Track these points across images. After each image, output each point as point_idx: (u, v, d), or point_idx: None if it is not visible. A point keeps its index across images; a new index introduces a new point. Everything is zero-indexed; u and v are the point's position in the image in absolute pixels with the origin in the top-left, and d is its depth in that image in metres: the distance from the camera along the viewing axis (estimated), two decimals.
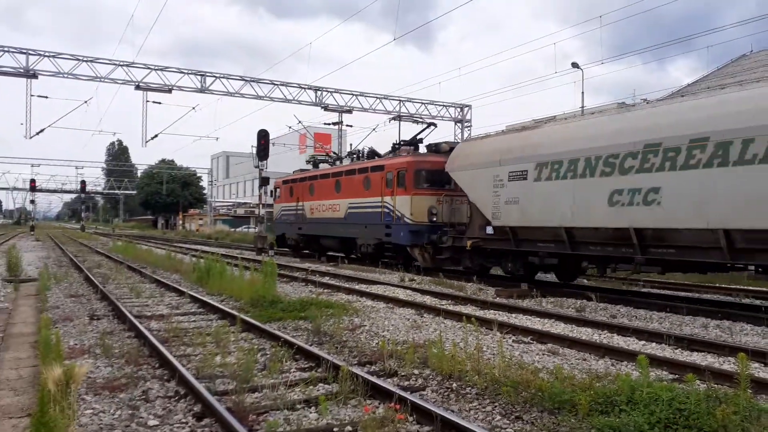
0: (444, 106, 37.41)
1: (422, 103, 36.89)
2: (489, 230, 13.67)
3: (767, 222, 8.05)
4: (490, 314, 10.12)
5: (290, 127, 38.69)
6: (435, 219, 16.66)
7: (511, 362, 6.49)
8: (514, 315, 10.23)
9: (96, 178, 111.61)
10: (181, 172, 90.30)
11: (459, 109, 37.73)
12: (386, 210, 17.88)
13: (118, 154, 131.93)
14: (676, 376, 6.30)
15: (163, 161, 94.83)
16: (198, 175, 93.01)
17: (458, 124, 37.49)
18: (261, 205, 26.54)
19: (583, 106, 31.21)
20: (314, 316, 9.29)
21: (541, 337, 8.23)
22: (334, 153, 23.60)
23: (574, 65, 33.10)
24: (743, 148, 8.25)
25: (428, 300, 11.92)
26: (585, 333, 8.73)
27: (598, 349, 7.49)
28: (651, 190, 9.66)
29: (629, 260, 10.56)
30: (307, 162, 25.87)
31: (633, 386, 5.00)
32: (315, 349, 6.94)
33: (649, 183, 9.66)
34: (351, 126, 37.92)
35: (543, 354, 7.37)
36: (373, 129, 32.37)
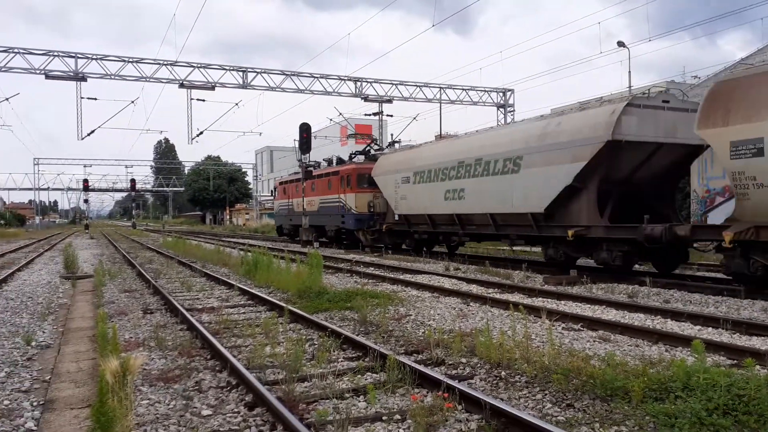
0: (485, 91, 36.94)
1: (463, 89, 36.54)
2: (396, 217, 20.04)
3: (507, 208, 14.34)
4: (538, 302, 10.00)
5: (331, 120, 39.03)
6: (372, 210, 23.19)
7: (561, 350, 6.40)
8: (563, 302, 10.09)
9: (145, 176, 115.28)
10: (226, 168, 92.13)
11: (501, 94, 37.20)
12: (341, 204, 24.56)
13: (165, 152, 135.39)
14: (735, 361, 6.16)
15: (209, 158, 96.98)
16: (243, 170, 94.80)
17: (500, 110, 36.99)
18: (304, 199, 26.79)
19: (630, 86, 30.32)
20: (360, 306, 9.37)
21: (592, 323, 8.10)
22: (325, 161, 29.02)
23: (620, 44, 32.17)
24: (494, 165, 14.80)
25: (474, 289, 11.86)
26: (637, 319, 8.56)
27: (651, 334, 7.34)
28: (461, 189, 16.21)
29: (457, 234, 16.96)
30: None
31: (689, 372, 4.87)
32: (362, 339, 7.00)
33: (460, 185, 16.23)
34: (391, 116, 37.81)
35: (594, 341, 7.25)
36: (414, 118, 32.20)
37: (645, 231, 11.54)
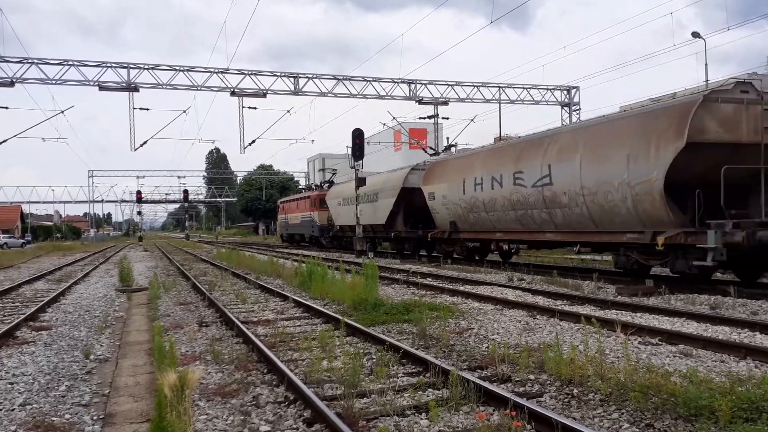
0: (548, 89, 36.38)
1: (524, 88, 36.10)
2: (337, 228, 33.87)
3: (379, 221, 27.11)
4: (611, 314, 9.75)
5: (384, 125, 39.17)
6: (330, 223, 36.40)
7: (638, 365, 6.21)
8: (638, 314, 9.79)
9: (197, 187, 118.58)
10: (278, 176, 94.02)
11: (565, 92, 36.53)
12: (312, 219, 39.59)
13: (217, 162, 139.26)
14: None
15: (261, 167, 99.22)
16: (295, 179, 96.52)
17: (565, 108, 36.32)
18: (358, 207, 27.06)
19: (707, 80, 29.20)
20: (419, 318, 9.36)
21: (671, 337, 7.82)
22: (324, 183, 41.77)
23: (695, 35, 31.08)
24: (368, 197, 27.89)
25: (541, 300, 11.68)
26: (722, 332, 8.23)
27: (738, 349, 7.04)
28: (361, 210, 27.52)
29: (373, 239, 29.13)
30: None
31: None
32: (422, 353, 6.97)
33: (361, 208, 27.67)
34: (447, 118, 37.71)
35: (674, 356, 7.00)
36: (471, 120, 32.04)
37: (726, 237, 11.37)
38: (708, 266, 12.00)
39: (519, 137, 20.07)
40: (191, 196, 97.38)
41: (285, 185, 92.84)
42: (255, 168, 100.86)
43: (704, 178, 12.37)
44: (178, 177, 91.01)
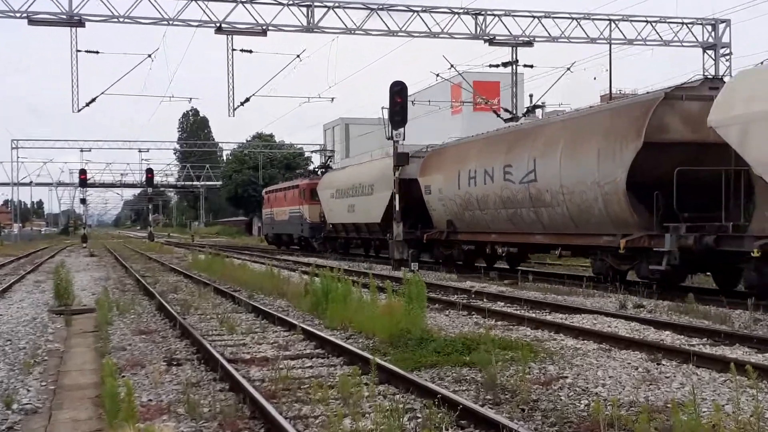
0: (683, 24, 35.83)
1: (647, 21, 35.64)
2: (329, 227, 39.43)
3: (374, 219, 32.70)
4: None
5: (438, 76, 39.09)
6: (323, 219, 40.62)
7: None
8: None
9: (166, 166, 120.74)
10: (282, 150, 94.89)
11: (709, 28, 35.91)
12: (301, 214, 44.22)
13: (195, 130, 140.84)
14: None
15: (258, 137, 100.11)
16: (306, 154, 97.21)
17: (708, 52, 35.71)
18: (398, 195, 27.10)
19: None
20: (485, 361, 9.32)
21: None
22: (319, 168, 49.98)
23: None
24: (363, 188, 34.31)
25: (668, 337, 11.58)
26: None
27: None
28: (353, 205, 35.28)
29: (367, 240, 36.30)
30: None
31: None
32: (491, 413, 6.95)
33: (353, 202, 35.28)
34: (531, 66, 37.47)
35: None
36: (568, 69, 31.77)
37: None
38: (662, 270, 16.26)
39: (537, 119, 24.71)
40: (157, 178, 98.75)
41: (292, 163, 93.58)
42: (249, 138, 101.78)
43: (680, 177, 16.04)
44: (140, 150, 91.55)
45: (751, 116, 14.78)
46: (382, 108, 30.98)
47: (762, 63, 17.04)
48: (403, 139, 26.82)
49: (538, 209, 20.78)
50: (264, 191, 59.13)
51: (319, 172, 44.39)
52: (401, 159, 26.68)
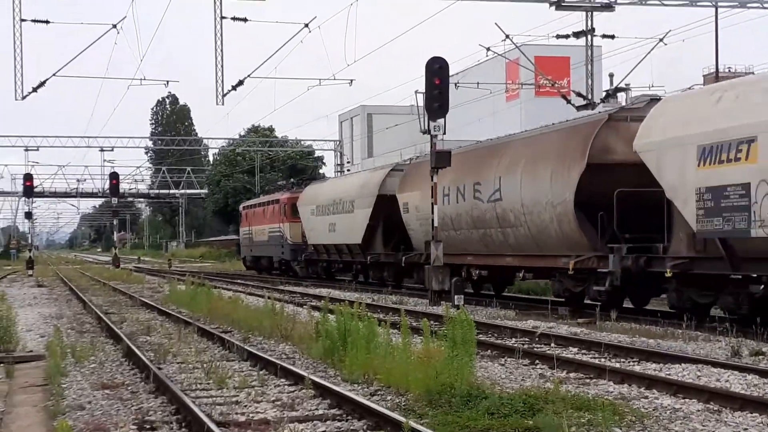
0: None
1: None
2: (310, 249, 46.48)
3: (354, 239, 38.96)
4: None
5: (489, 50, 38.99)
6: (305, 240, 46.10)
7: None
8: None
9: (136, 169, 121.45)
10: (287, 149, 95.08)
11: None
12: (281, 234, 49.51)
13: (172, 122, 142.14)
14: None
15: (254, 131, 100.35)
16: (317, 153, 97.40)
17: None
18: (435, 205, 27.08)
19: None
20: (554, 426, 9.25)
21: None
22: (303, 180, 56.51)
23: None
24: (343, 205, 40.53)
25: None
26: None
27: None
28: (334, 223, 41.62)
29: (348, 264, 42.03)
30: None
31: None
32: None
33: (334, 220, 41.55)
34: (612, 37, 37.30)
35: None
36: (660, 40, 31.70)
37: None
38: (606, 291, 21.50)
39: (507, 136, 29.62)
40: (124, 186, 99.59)
41: (298, 164, 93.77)
42: (243, 133, 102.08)
43: (622, 199, 21.20)
44: (101, 149, 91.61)
45: (665, 143, 19.72)
46: (416, 92, 31.07)
47: (690, 88, 22.73)
48: (444, 133, 26.74)
49: (505, 229, 25.91)
50: (241, 206, 64.63)
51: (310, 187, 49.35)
52: (441, 159, 26.49)
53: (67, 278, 52.07)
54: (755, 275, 18.18)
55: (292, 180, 61.80)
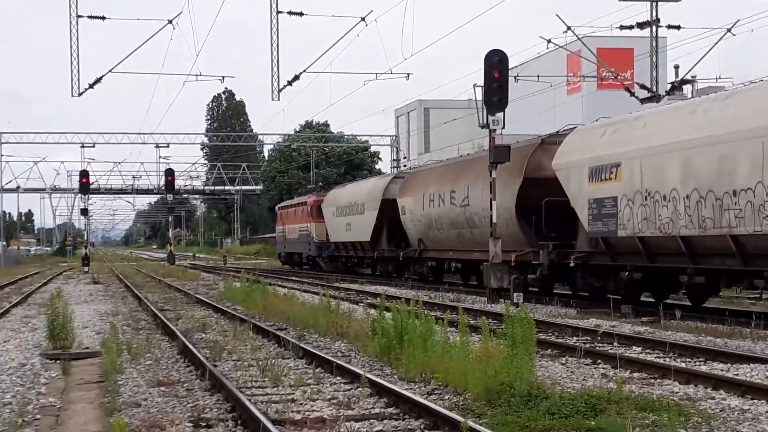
0: None
1: None
2: (332, 247, 55.81)
3: (364, 237, 47.87)
4: None
5: (549, 42, 38.80)
6: (329, 238, 56.52)
7: None
8: None
9: (191, 165, 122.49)
10: (342, 144, 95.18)
11: None
12: (309, 233, 58.90)
13: (227, 118, 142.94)
14: None
15: (309, 127, 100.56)
16: (372, 148, 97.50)
17: None
18: (494, 201, 27.00)
19: None
20: (618, 427, 9.17)
21: None
22: (326, 184, 64.67)
23: None
24: (357, 207, 49.03)
25: None
26: None
27: None
28: (350, 223, 50.64)
29: (361, 258, 52.57)
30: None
31: None
32: None
33: (350, 220, 50.57)
34: (677, 28, 36.87)
35: None
36: (728, 30, 31.28)
37: None
38: (537, 279, 28.19)
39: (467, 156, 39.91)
40: (179, 182, 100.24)
41: (353, 160, 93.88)
42: (298, 129, 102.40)
43: (554, 204, 27.45)
44: (157, 146, 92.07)
45: (570, 164, 26.37)
46: (474, 86, 30.90)
47: (597, 120, 27.64)
48: (503, 128, 26.67)
49: (472, 229, 33.06)
50: (277, 207, 76.01)
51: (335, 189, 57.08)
52: (500, 154, 26.45)
53: (123, 275, 52.61)
54: (623, 264, 24.44)
55: (320, 183, 71.69)
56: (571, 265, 26.14)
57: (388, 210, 41.77)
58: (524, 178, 28.50)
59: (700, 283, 22.55)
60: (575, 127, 28.23)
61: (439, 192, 35.52)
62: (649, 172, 22.82)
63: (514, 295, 25.55)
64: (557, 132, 29.57)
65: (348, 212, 48.87)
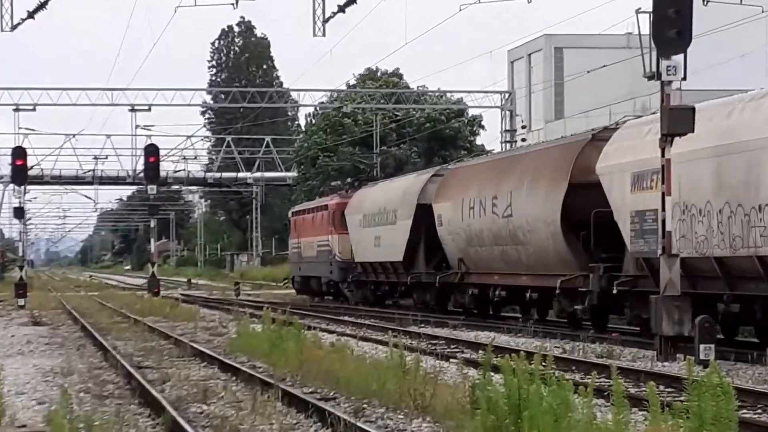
0: None
1: None
2: (358, 269, 62.25)
3: (396, 256, 54.29)
4: None
5: None
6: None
7: None
8: None
9: (186, 140, 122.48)
10: (423, 106, 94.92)
11: None
12: (330, 249, 64.39)
13: (242, 65, 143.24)
14: None
15: (371, 78, 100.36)
16: (472, 113, 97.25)
17: None
18: (667, 195, 26.89)
19: None
20: None
21: None
22: (357, 181, 65.01)
23: None
24: (387, 215, 55.67)
25: None
26: None
27: None
28: (379, 236, 56.75)
29: (394, 285, 58.95)
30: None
31: None
32: None
33: (379, 233, 56.69)
34: None
35: None
36: None
37: None
38: (584, 309, 33.83)
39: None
40: (168, 166, 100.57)
41: (442, 132, 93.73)
42: (353, 82, 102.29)
43: (605, 217, 31.76)
44: (133, 109, 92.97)
45: (612, 168, 30.80)
46: (637, 13, 30.87)
47: (641, 116, 31.88)
48: (683, 79, 26.44)
49: (517, 247, 38.04)
50: (290, 212, 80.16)
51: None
52: (678, 121, 26.16)
53: (79, 312, 52.96)
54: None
55: (356, 179, 75.87)
56: (614, 291, 31.45)
57: (426, 219, 46.11)
58: (570, 183, 33.64)
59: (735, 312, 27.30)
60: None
61: (480, 197, 40.53)
62: (687, 182, 26.67)
63: (701, 347, 25.31)
64: (615, 124, 34.10)
65: (377, 221, 53.32)
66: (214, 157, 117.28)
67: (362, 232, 55.14)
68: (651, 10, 26.11)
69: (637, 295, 30.19)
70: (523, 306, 42.57)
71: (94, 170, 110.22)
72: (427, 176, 47.80)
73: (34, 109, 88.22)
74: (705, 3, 36.03)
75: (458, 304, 44.03)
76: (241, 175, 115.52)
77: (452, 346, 31.84)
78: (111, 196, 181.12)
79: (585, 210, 31.62)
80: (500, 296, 40.92)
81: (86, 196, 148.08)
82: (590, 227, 31.88)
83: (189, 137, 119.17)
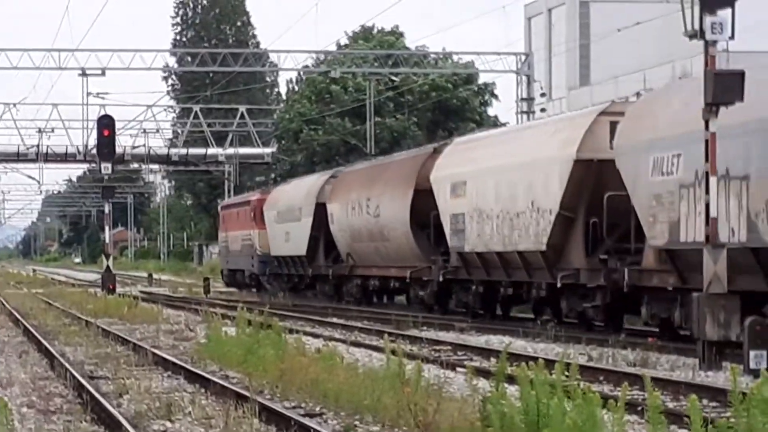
0: None
1: None
2: (274, 262, 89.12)
3: (300, 251, 77.80)
4: None
5: None
6: None
7: None
8: None
9: (147, 110, 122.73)
10: (426, 71, 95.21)
11: None
12: (252, 243, 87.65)
13: (210, 23, 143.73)
14: None
15: (364, 37, 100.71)
16: (482, 79, 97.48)
17: None
18: (711, 175, 26.88)
19: None
20: None
21: None
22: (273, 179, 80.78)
23: None
24: (294, 212, 77.60)
25: None
26: None
27: None
28: (288, 232, 79.59)
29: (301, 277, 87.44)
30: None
31: None
32: None
33: (288, 228, 79.53)
34: None
35: None
36: None
37: None
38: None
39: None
40: (125, 140, 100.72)
41: (448, 102, 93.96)
42: (344, 42, 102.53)
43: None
44: (84, 74, 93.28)
45: (440, 178, 46.29)
46: None
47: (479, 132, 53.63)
48: (730, 37, 26.37)
49: (385, 243, 52.85)
50: (219, 206, 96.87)
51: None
52: (726, 88, 25.98)
53: (20, 312, 53.07)
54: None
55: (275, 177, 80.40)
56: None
57: (324, 217, 58.39)
58: (416, 189, 43.73)
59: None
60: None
61: (359, 199, 55.09)
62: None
63: (751, 354, 25.26)
64: (446, 142, 44.88)
65: (287, 218, 67.04)
66: (179, 130, 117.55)
67: (276, 227, 70.81)
68: None
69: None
70: (389, 294, 60.94)
71: (38, 146, 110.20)
72: (325, 177, 63.07)
73: None
74: None
75: (349, 294, 59.85)
76: (210, 151, 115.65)
77: (458, 352, 31.86)
78: (58, 176, 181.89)
79: (427, 212, 43.95)
80: (375, 287, 57.35)
81: (29, 176, 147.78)
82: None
83: (150, 107, 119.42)
